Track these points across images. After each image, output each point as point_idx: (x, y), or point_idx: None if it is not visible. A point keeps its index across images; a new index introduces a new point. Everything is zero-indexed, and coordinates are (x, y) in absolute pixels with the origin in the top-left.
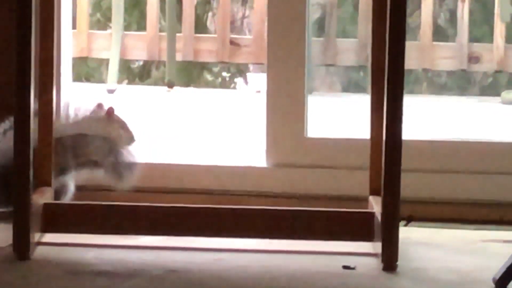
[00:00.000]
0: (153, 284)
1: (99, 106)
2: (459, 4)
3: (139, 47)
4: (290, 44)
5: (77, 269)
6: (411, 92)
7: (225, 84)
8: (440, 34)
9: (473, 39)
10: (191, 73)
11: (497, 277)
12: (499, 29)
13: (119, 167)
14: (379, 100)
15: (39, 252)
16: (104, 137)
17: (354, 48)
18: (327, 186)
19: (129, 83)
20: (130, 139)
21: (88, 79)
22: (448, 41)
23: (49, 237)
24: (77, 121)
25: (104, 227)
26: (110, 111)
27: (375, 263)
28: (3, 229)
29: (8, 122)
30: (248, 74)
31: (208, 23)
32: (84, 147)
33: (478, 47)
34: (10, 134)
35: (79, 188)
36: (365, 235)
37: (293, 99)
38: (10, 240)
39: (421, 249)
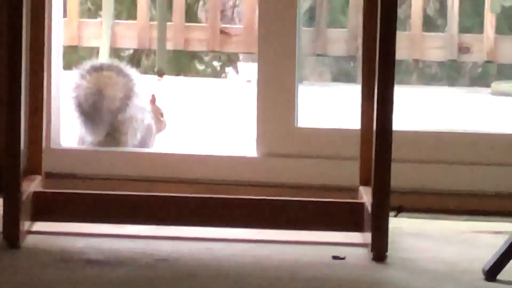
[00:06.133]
0: (143, 272)
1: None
2: None
3: (130, 36)
4: (281, 33)
5: (67, 258)
6: (401, 82)
7: (216, 73)
8: (430, 24)
9: (463, 29)
10: (182, 62)
11: (487, 268)
12: (489, 20)
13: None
14: (370, 90)
15: (29, 240)
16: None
17: (345, 38)
18: (317, 176)
19: None
20: (163, 126)
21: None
22: (438, 31)
23: (39, 226)
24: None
25: (95, 215)
26: (153, 98)
27: (365, 253)
28: None
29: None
30: (238, 64)
31: (198, 12)
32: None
33: (468, 38)
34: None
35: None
36: (355, 225)
37: (284, 88)
38: (0, 229)
39: (411, 239)
